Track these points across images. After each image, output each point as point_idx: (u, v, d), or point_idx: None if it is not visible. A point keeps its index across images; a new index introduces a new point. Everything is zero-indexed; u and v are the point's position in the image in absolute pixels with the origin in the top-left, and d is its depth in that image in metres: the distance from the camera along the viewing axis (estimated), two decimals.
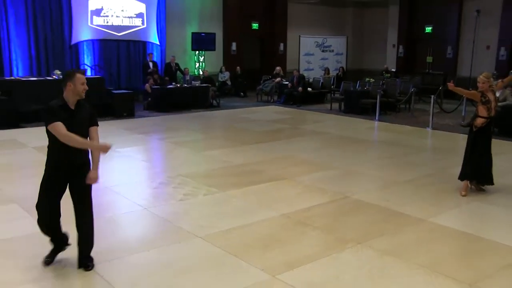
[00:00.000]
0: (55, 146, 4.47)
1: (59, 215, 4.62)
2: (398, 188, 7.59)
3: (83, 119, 4.50)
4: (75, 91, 4.40)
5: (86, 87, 4.49)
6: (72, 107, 4.45)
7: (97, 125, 4.64)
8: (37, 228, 5.66)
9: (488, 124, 7.17)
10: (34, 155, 9.43)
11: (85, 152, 4.58)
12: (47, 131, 4.43)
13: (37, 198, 4.53)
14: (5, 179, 7.52)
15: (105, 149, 4.45)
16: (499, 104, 11.75)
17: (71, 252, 4.72)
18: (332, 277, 4.59)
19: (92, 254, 4.81)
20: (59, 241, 4.76)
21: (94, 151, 4.55)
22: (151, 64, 17.24)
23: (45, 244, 5.25)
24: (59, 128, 4.29)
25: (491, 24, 19.15)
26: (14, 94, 12.82)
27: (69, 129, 4.31)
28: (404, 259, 4.99)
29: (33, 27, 15.50)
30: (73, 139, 4.31)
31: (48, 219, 4.58)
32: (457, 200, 6.97)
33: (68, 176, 4.54)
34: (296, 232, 5.71)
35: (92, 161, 4.57)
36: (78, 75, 4.45)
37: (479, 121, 7.12)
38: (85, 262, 4.68)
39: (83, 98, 4.52)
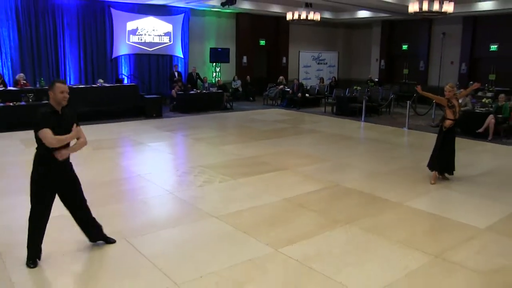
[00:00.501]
0: (47, 149, 4.03)
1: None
2: (380, 177, 7.56)
3: (69, 121, 4.18)
4: (55, 99, 4.04)
5: (66, 96, 4.08)
6: (60, 112, 4.12)
7: (78, 125, 4.28)
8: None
9: (454, 125, 7.24)
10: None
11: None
12: (36, 137, 4.04)
13: (32, 207, 4.12)
14: None
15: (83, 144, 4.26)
16: (462, 109, 11.75)
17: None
18: (325, 251, 4.60)
19: (127, 230, 4.84)
20: (38, 251, 4.23)
21: (79, 143, 4.26)
22: (176, 74, 17.28)
23: None
24: (47, 134, 3.92)
25: (454, 44, 19.16)
26: (67, 99, 12.82)
27: (59, 130, 4.03)
28: (384, 236, 5.00)
29: (82, 45, 15.58)
30: (61, 140, 4.01)
31: (43, 227, 4.19)
32: (427, 188, 6.95)
33: (59, 177, 4.18)
34: (295, 213, 5.71)
35: (73, 147, 4.24)
36: (58, 85, 4.07)
37: (448, 123, 7.17)
38: (105, 240, 4.62)
39: (64, 105, 4.11)
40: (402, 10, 15.28)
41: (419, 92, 7.52)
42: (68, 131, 4.13)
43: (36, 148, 4.09)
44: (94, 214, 5.47)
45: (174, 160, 8.96)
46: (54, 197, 4.21)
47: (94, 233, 4.59)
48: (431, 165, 7.37)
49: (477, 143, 10.70)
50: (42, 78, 13.74)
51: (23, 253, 4.20)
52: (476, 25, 18.38)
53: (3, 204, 5.92)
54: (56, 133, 4.00)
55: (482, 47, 18.22)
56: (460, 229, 5.27)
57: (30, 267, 4.10)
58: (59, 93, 4.05)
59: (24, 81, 13.02)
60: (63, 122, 4.11)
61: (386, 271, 4.18)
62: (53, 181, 4.13)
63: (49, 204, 4.17)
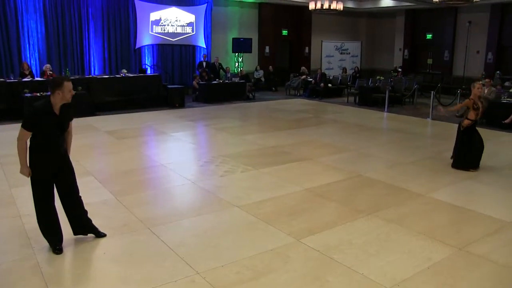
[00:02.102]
0: (46, 140, 4.02)
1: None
2: (402, 168, 7.44)
3: (67, 120, 4.15)
4: (63, 98, 3.96)
5: (73, 93, 4.02)
6: (57, 112, 4.00)
7: (71, 120, 4.25)
8: (108, 195, 5.80)
9: (473, 125, 7.20)
10: (106, 137, 9.59)
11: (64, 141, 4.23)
12: (37, 130, 3.97)
13: (37, 203, 4.13)
14: (83, 157, 7.66)
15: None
16: (488, 97, 11.50)
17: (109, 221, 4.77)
18: (346, 241, 4.55)
19: (150, 219, 4.88)
20: (60, 238, 4.27)
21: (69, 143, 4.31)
22: (204, 64, 17.35)
23: (116, 209, 5.36)
24: (24, 137, 3.94)
25: (480, 32, 18.69)
26: (91, 89, 13.03)
27: (54, 129, 4.01)
28: (406, 227, 4.92)
29: (107, 36, 15.74)
30: (19, 148, 4.00)
31: (54, 218, 4.20)
32: (450, 179, 6.80)
33: (58, 166, 4.14)
34: (317, 203, 5.66)
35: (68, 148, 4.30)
36: (66, 83, 3.95)
37: (466, 123, 7.16)
38: (97, 234, 4.54)
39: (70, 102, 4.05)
40: None
41: (443, 111, 7.79)
42: (63, 130, 4.14)
43: (35, 144, 4.04)
44: (118, 202, 5.56)
45: (197, 150, 8.98)
46: (53, 185, 4.19)
47: (80, 227, 4.47)
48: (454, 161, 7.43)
49: (503, 134, 10.44)
50: (67, 69, 14.03)
51: None
52: (504, 13, 17.88)
53: (30, 191, 6.02)
54: (49, 132, 4.00)
55: (510, 35, 17.73)
56: (484, 222, 5.14)
57: (57, 253, 4.17)
58: (68, 92, 3.97)
59: (51, 72, 13.20)
60: (59, 122, 4.06)
61: (409, 262, 4.11)
62: (48, 169, 4.10)
63: (50, 192, 4.14)
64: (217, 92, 15.62)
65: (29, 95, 11.51)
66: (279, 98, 17.13)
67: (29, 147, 4.05)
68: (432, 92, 13.03)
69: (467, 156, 7.23)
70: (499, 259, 4.21)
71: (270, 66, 19.66)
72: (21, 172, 4.07)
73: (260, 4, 19.58)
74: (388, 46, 22.81)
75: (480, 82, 7.44)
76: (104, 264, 4.11)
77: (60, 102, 4.00)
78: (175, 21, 17.39)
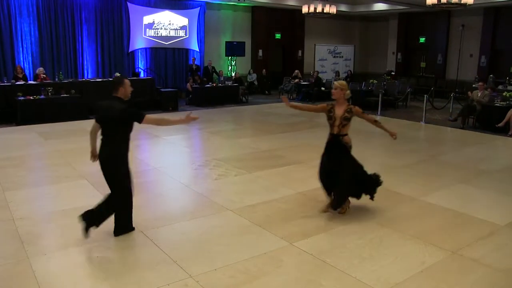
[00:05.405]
0: (127, 139, 4.58)
1: None
2: (395, 171, 7.47)
3: None
4: (126, 94, 4.49)
5: (132, 89, 4.58)
6: None
7: None
8: (101, 199, 5.77)
9: (332, 141, 5.48)
10: (99, 141, 9.54)
11: None
12: (122, 129, 4.44)
13: (128, 195, 4.66)
14: (76, 160, 7.64)
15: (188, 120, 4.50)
16: (482, 101, 11.50)
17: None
18: (340, 245, 4.56)
19: (144, 223, 4.88)
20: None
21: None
22: (194, 67, 17.37)
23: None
24: (151, 116, 4.41)
25: (474, 36, 18.81)
26: (84, 92, 13.01)
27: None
28: (399, 231, 4.94)
29: (100, 39, 15.71)
30: (166, 119, 4.73)
31: None
32: (443, 182, 6.84)
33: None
34: (310, 207, 5.67)
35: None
36: (126, 81, 4.52)
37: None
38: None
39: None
40: (420, 2, 15.03)
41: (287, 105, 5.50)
42: None
43: (121, 143, 4.55)
44: None
45: (190, 153, 8.97)
46: None
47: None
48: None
49: (496, 138, 10.51)
50: (61, 72, 13.95)
51: (44, 242, 4.33)
52: (498, 16, 18.00)
53: (23, 195, 6.01)
54: (131, 126, 4.47)
55: (504, 39, 17.84)
56: (478, 226, 5.17)
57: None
58: (129, 87, 4.50)
59: (44, 75, 13.19)
60: None
61: (402, 266, 4.14)
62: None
63: None
64: (211, 95, 15.64)
65: (22, 98, 11.48)
66: (272, 101, 17.14)
67: (119, 146, 4.57)
68: (425, 95, 13.11)
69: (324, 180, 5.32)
70: (493, 263, 4.24)
71: (263, 70, 19.69)
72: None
73: (253, 7, 19.63)
74: (382, 49, 22.92)
75: (338, 82, 5.43)
76: (97, 268, 4.10)
77: (124, 98, 4.46)
78: (168, 25, 17.41)
